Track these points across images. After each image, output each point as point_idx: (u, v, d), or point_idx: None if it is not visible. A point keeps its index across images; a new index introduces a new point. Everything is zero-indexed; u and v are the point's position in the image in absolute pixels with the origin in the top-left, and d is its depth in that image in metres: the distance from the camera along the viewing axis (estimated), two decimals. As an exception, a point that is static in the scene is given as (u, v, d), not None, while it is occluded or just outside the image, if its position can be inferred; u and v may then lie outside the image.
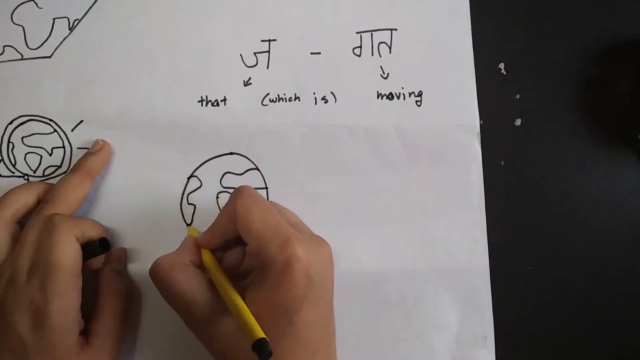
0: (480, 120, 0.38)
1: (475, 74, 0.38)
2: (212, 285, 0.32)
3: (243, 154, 0.38)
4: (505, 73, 0.39)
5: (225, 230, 0.32)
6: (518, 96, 0.39)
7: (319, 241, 0.32)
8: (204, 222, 0.38)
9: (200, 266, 0.33)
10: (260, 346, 0.26)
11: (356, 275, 0.37)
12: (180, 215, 0.38)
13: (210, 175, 0.38)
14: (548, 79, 0.39)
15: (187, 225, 0.38)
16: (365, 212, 0.38)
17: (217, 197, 0.38)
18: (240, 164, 0.38)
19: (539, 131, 0.39)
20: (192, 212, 0.38)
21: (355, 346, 0.37)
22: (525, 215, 0.38)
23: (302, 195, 0.38)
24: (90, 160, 0.37)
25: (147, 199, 0.38)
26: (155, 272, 0.32)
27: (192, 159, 0.39)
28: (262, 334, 0.27)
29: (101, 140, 0.38)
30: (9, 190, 0.36)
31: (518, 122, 0.39)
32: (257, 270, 0.31)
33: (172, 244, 0.37)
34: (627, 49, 0.39)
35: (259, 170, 0.38)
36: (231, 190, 0.38)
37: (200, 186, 0.38)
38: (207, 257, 0.33)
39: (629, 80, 0.39)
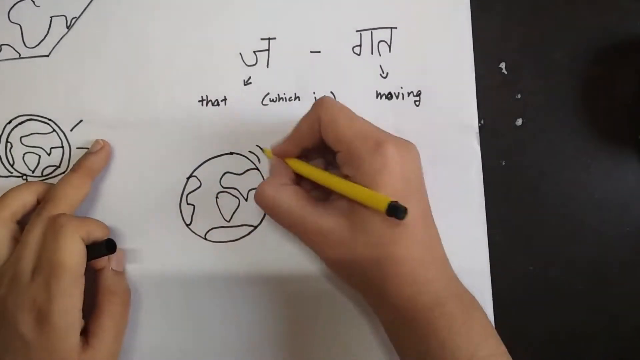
0: (481, 120, 0.38)
1: (476, 73, 0.38)
2: (314, 200, 0.33)
3: (243, 153, 0.38)
4: (506, 73, 0.39)
5: (304, 139, 0.33)
6: (519, 96, 0.39)
7: (406, 141, 0.32)
8: (203, 222, 0.38)
9: (297, 183, 0.34)
10: (394, 208, 0.27)
11: None
12: (180, 215, 0.38)
13: (209, 175, 0.38)
14: (549, 79, 0.39)
15: (262, 149, 0.38)
16: None
17: (217, 197, 0.38)
18: (240, 164, 0.38)
19: (540, 131, 0.39)
20: (191, 212, 0.38)
21: (355, 346, 0.37)
22: (526, 215, 0.38)
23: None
24: (91, 160, 0.37)
25: (146, 198, 0.38)
26: (262, 198, 0.33)
27: (192, 158, 0.38)
28: (389, 199, 0.28)
29: (101, 140, 0.38)
30: (9, 190, 0.35)
31: (519, 121, 0.39)
32: (353, 177, 0.31)
33: (171, 244, 0.38)
34: (628, 49, 0.39)
35: (258, 170, 0.38)
36: (231, 190, 0.38)
37: (199, 186, 0.38)
38: (298, 164, 0.34)
39: (630, 80, 0.39)
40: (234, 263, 0.38)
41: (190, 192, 0.38)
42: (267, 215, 0.38)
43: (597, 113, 0.39)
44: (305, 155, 0.35)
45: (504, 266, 0.38)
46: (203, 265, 0.38)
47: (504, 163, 0.39)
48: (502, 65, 0.39)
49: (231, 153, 0.38)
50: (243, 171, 0.38)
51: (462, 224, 0.38)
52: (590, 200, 0.38)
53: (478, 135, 0.38)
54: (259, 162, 0.38)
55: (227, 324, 0.38)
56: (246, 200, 0.38)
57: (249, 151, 0.38)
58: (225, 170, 0.38)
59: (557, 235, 0.38)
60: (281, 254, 0.38)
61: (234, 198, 0.38)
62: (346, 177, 0.31)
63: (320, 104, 0.32)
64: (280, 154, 0.35)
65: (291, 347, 0.37)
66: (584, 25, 0.39)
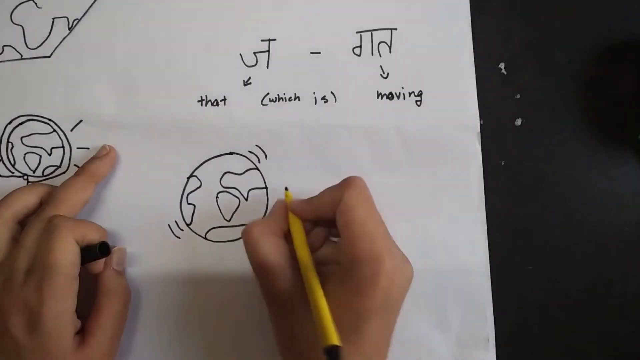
0: (480, 120, 0.38)
1: (476, 73, 0.38)
2: (296, 264, 0.32)
3: (243, 153, 0.38)
4: (505, 73, 0.39)
5: (323, 210, 0.32)
6: (518, 96, 0.39)
7: (406, 261, 0.31)
8: (203, 222, 0.38)
9: (287, 235, 0.33)
10: (332, 353, 0.26)
11: None
12: (180, 215, 0.38)
13: (210, 175, 0.38)
14: (549, 79, 0.39)
15: (285, 189, 0.36)
16: None
17: (217, 197, 0.38)
18: (240, 164, 0.38)
19: (540, 131, 0.39)
20: (191, 212, 0.38)
21: None
22: (526, 215, 0.38)
23: (302, 195, 0.38)
24: (95, 164, 0.37)
25: (146, 199, 0.38)
26: (247, 237, 0.32)
27: (192, 158, 0.38)
28: (337, 341, 0.27)
29: (108, 145, 0.38)
30: (12, 191, 0.36)
31: (518, 121, 0.39)
32: (343, 266, 0.30)
33: (172, 244, 0.38)
34: (628, 49, 0.39)
35: (258, 170, 0.38)
36: (231, 190, 0.38)
37: (200, 186, 0.38)
38: (298, 234, 0.33)
39: (630, 80, 0.39)
40: (234, 262, 0.38)
41: (190, 192, 0.38)
42: (266, 215, 0.38)
43: (597, 113, 0.39)
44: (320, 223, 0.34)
45: (504, 266, 0.38)
46: (203, 264, 0.38)
47: (503, 163, 0.39)
48: (502, 65, 0.39)
49: (231, 153, 0.38)
50: (243, 171, 0.38)
51: (462, 224, 0.38)
52: (590, 200, 0.38)
53: (479, 135, 0.38)
54: (259, 162, 0.38)
55: (227, 323, 0.38)
56: (246, 200, 0.38)
57: (249, 151, 0.38)
58: (226, 170, 0.38)
59: (556, 235, 0.38)
60: None
61: (234, 198, 0.38)
62: (337, 263, 0.31)
63: (348, 185, 0.31)
64: (295, 209, 0.33)
65: None
66: (584, 25, 0.39)
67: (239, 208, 0.38)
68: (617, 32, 0.39)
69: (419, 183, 0.38)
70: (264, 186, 0.38)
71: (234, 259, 0.38)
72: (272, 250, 0.31)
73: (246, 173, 0.38)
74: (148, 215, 0.38)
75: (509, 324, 0.38)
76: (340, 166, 0.38)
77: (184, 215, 0.38)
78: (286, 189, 0.36)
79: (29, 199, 0.35)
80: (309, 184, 0.38)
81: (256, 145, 0.38)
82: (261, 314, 0.38)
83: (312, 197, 0.33)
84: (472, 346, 0.37)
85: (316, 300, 0.29)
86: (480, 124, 0.38)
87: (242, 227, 0.37)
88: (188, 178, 0.38)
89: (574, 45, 0.39)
